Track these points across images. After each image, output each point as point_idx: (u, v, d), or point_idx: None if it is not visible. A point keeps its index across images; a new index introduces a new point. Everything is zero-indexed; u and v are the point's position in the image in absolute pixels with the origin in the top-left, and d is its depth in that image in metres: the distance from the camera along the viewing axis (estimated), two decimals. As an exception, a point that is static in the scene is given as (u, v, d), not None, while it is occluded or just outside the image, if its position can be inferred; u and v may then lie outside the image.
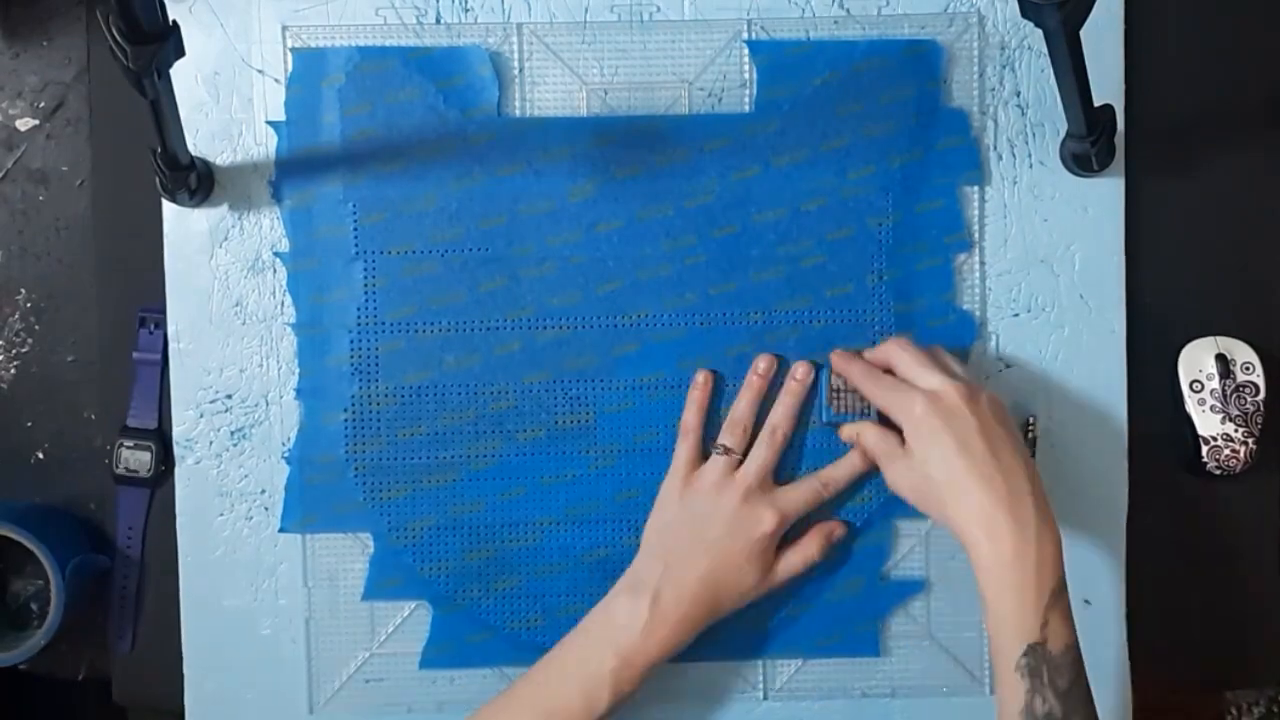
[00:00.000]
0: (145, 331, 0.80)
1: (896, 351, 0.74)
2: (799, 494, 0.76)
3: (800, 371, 0.78)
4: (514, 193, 0.79)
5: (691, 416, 0.78)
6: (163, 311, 0.79)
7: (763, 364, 0.78)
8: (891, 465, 0.73)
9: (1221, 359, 0.79)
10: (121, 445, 0.79)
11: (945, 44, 0.80)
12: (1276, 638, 0.83)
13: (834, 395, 0.77)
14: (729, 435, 0.77)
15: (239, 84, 0.80)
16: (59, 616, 0.75)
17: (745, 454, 0.77)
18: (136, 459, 0.79)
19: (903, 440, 0.71)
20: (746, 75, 0.80)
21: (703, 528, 0.75)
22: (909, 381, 0.72)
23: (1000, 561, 0.65)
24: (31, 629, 0.76)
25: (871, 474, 0.78)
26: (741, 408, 0.78)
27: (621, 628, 0.73)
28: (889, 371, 0.74)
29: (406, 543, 0.79)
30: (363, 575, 0.80)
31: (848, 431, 0.77)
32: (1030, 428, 0.79)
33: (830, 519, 0.79)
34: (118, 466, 0.79)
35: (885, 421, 0.74)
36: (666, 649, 0.73)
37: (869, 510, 0.80)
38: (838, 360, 0.77)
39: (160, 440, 0.80)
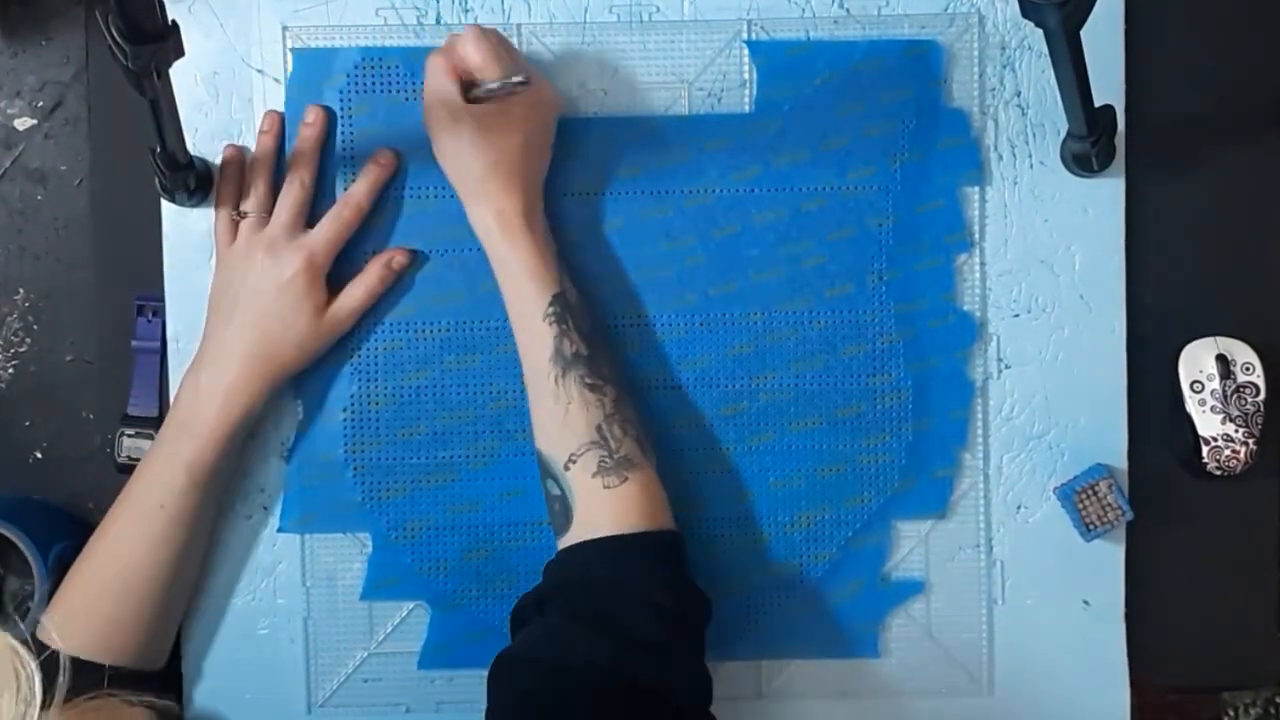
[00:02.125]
0: (144, 320, 0.80)
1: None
2: (324, 225, 0.76)
3: (311, 116, 0.78)
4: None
5: (225, 190, 0.77)
6: (161, 300, 0.79)
7: (267, 122, 0.78)
8: (454, 130, 0.73)
9: (1222, 359, 0.79)
10: (123, 434, 0.79)
11: (945, 44, 0.80)
12: (1274, 638, 0.83)
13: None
14: (247, 200, 0.77)
15: (239, 84, 0.79)
16: (43, 604, 0.75)
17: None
18: (138, 447, 0.79)
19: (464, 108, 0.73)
20: (746, 75, 0.80)
21: (236, 289, 0.75)
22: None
23: (517, 226, 0.72)
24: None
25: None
26: (255, 169, 0.78)
27: (183, 404, 0.74)
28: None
29: (405, 543, 0.79)
30: (361, 575, 0.80)
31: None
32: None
33: (396, 251, 0.78)
34: (120, 455, 0.79)
35: None
36: (226, 416, 0.74)
37: (868, 511, 0.80)
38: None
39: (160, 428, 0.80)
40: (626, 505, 0.70)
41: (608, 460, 0.70)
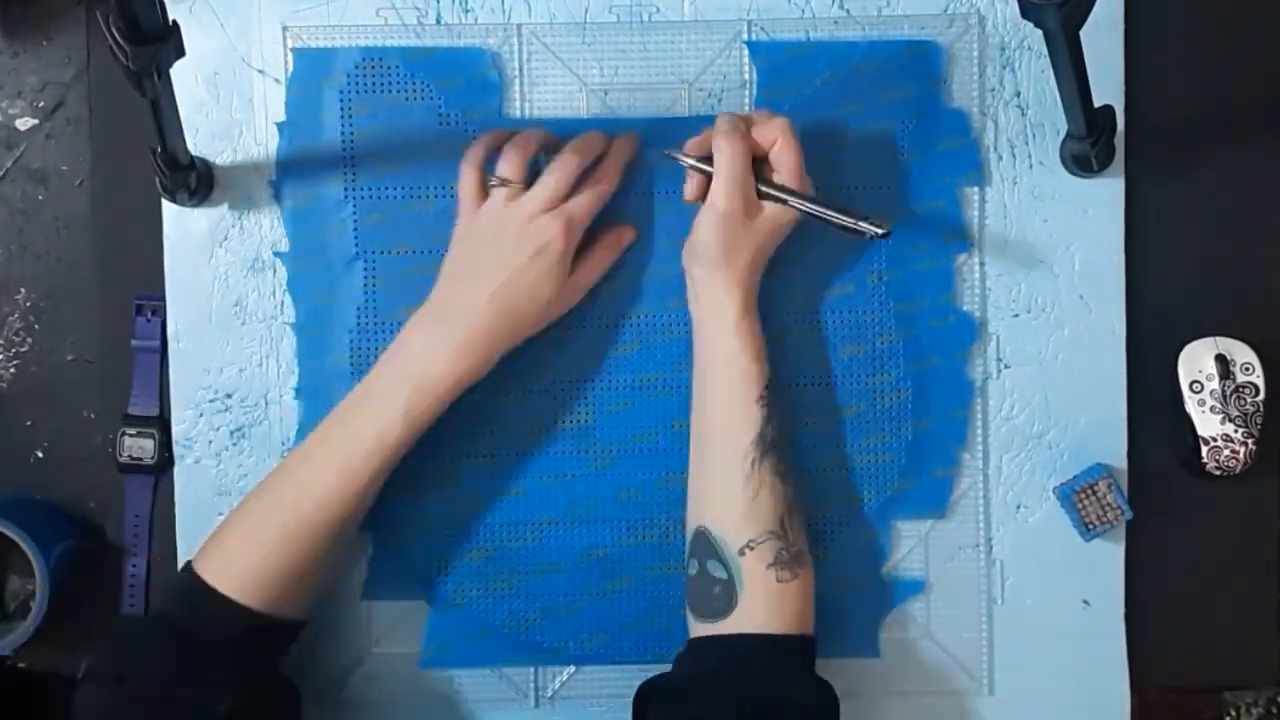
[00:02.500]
0: (143, 319, 0.80)
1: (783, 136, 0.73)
2: (582, 199, 0.75)
3: (628, 136, 0.78)
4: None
5: (477, 151, 0.76)
6: (161, 299, 0.79)
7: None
8: (708, 214, 0.73)
9: (1221, 359, 0.79)
10: (124, 433, 0.79)
11: (945, 44, 0.80)
12: (1276, 638, 0.83)
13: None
14: (505, 165, 0.74)
15: (239, 84, 0.80)
16: (44, 603, 0.75)
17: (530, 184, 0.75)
18: (139, 446, 0.79)
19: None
20: (746, 76, 0.80)
21: (489, 249, 0.74)
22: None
23: (752, 310, 0.74)
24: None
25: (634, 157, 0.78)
26: (524, 136, 0.76)
27: (412, 355, 0.73)
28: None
29: (405, 542, 0.79)
30: (361, 574, 0.80)
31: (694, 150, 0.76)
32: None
33: (623, 226, 0.79)
34: (121, 455, 0.79)
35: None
36: (459, 371, 0.72)
37: (868, 511, 0.80)
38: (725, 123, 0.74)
39: (162, 427, 0.80)
40: (790, 604, 0.70)
41: (784, 553, 0.70)
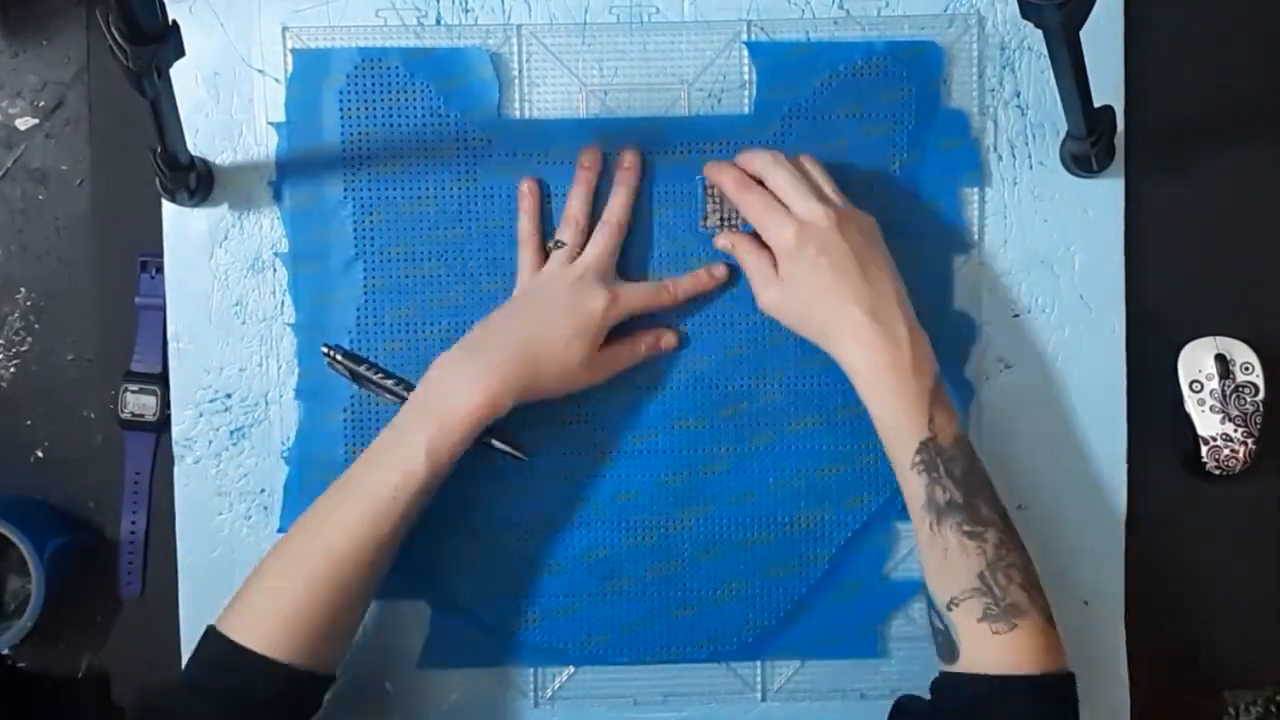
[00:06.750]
0: (147, 276, 0.80)
1: (771, 167, 0.74)
2: (639, 289, 0.77)
3: (627, 159, 0.78)
4: (514, 194, 0.79)
5: (526, 225, 0.78)
6: (164, 256, 0.79)
7: (587, 158, 0.78)
8: (766, 290, 0.75)
9: (1221, 359, 0.79)
10: (126, 389, 0.79)
11: (945, 45, 0.80)
12: (1275, 638, 0.83)
13: (712, 204, 0.78)
14: (564, 231, 0.77)
15: (239, 84, 0.80)
16: (40, 600, 0.76)
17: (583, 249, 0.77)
18: (141, 403, 0.79)
19: (774, 262, 0.74)
20: (746, 76, 0.80)
21: (532, 300, 0.76)
22: (782, 202, 0.74)
23: (879, 369, 0.70)
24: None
25: (715, 291, 0.79)
26: (574, 204, 0.78)
27: (433, 390, 0.73)
28: (761, 183, 0.75)
29: (405, 542, 0.79)
30: (362, 575, 0.80)
31: (723, 241, 0.78)
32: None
33: (667, 329, 0.79)
34: (123, 411, 0.79)
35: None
36: (478, 403, 0.71)
37: (867, 512, 0.80)
38: (711, 170, 0.77)
39: (164, 384, 0.80)
40: (1017, 651, 0.67)
41: (994, 608, 0.67)
